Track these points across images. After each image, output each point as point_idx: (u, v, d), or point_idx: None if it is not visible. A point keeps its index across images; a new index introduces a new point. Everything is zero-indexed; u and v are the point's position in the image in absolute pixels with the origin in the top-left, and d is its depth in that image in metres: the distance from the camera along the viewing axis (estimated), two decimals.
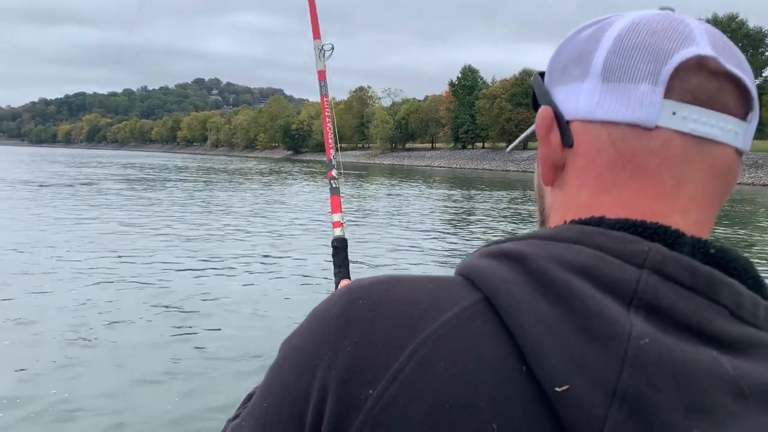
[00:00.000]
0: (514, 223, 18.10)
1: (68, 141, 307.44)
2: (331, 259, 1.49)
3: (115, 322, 6.86)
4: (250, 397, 0.75)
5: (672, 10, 0.61)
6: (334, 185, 1.67)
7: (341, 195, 1.60)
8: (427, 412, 0.49)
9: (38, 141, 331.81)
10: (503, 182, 43.76)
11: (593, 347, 0.48)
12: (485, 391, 0.49)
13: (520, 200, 26.74)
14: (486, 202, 25.71)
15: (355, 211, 20.56)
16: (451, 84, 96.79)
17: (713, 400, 0.47)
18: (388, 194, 28.95)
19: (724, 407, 0.47)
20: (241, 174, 47.17)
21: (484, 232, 15.62)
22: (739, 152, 0.58)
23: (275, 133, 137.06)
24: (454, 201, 25.73)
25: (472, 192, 31.65)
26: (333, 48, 1.87)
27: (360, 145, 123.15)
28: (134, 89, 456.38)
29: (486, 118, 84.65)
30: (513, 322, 0.50)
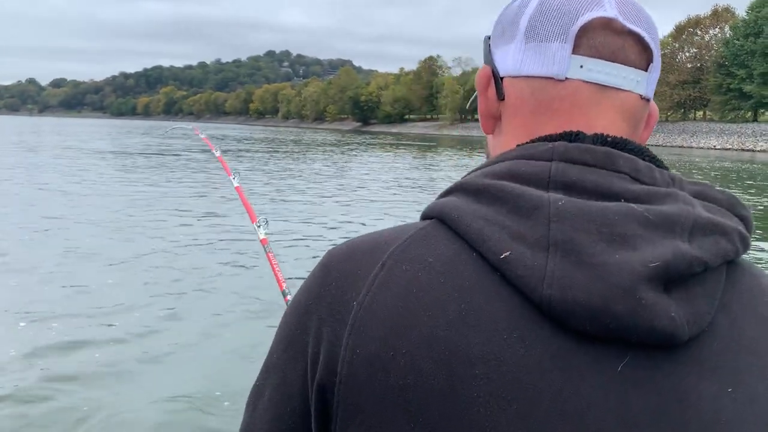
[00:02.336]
0: None
1: (147, 113, 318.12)
2: None
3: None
4: None
5: None
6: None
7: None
8: (399, 299, 0.58)
9: (119, 113, 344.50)
10: None
11: (523, 221, 0.58)
12: (444, 273, 0.59)
13: None
14: None
15: (423, 185, 20.13)
16: None
17: (626, 230, 0.56)
18: (455, 166, 28.36)
19: (637, 235, 0.56)
20: (315, 145, 47.36)
21: None
22: (644, 98, 0.68)
23: (344, 104, 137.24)
24: None
25: None
26: (267, 221, 2.61)
27: (429, 117, 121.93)
28: (208, 62, 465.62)
29: None
30: (459, 225, 0.60)
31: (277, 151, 38.00)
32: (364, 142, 57.61)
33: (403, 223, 0.69)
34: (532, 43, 0.67)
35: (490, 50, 0.74)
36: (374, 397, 0.57)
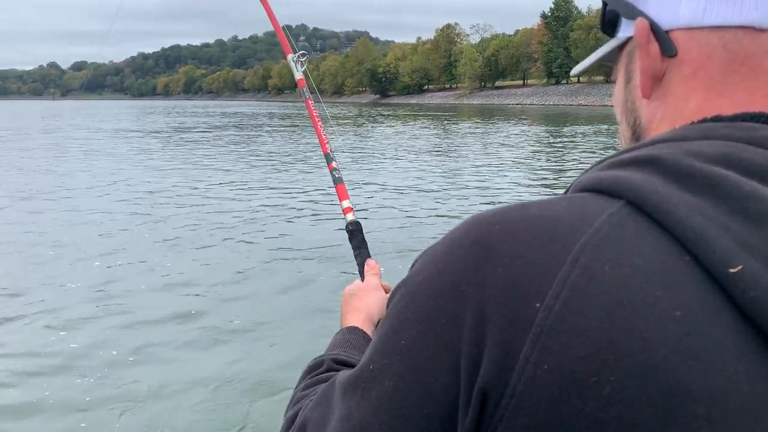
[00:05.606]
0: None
1: (167, 93, 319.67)
2: (350, 243, 1.54)
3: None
4: (311, 368, 0.83)
5: None
6: (336, 176, 1.84)
7: (345, 182, 1.78)
8: (605, 312, 0.47)
9: (139, 94, 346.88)
10: (603, 117, 41.31)
11: (755, 228, 0.47)
12: (659, 283, 0.47)
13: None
14: (589, 137, 24.14)
15: (442, 151, 19.76)
16: (544, 16, 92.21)
17: None
18: (474, 133, 27.88)
19: None
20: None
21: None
22: None
23: (362, 77, 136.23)
24: (554, 138, 24.36)
25: (574, 128, 29.97)
26: (307, 55, 2.12)
27: (448, 86, 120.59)
28: (225, 39, 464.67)
29: (582, 51, 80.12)
30: (668, 216, 0.49)
31: (300, 128, 37.74)
32: (383, 114, 57.08)
33: (552, 196, 0.58)
34: None
35: (631, 3, 0.62)
36: (559, 424, 0.48)
